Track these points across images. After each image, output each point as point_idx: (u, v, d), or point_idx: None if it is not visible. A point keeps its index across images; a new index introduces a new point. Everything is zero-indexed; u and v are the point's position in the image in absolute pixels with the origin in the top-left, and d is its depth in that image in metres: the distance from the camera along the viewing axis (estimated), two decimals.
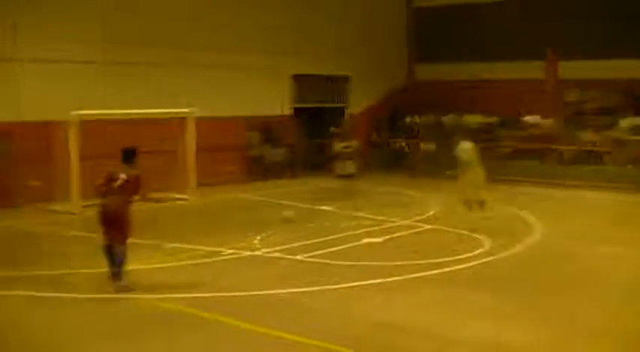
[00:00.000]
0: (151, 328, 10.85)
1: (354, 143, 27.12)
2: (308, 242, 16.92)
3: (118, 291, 12.75)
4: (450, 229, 18.46)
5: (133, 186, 13.37)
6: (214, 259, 15.44)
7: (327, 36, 32.15)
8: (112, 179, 13.35)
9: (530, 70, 33.42)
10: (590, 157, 30.59)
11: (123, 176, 13.27)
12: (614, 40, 32.10)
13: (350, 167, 26.68)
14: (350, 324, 10.88)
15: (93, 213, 13.77)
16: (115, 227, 13.19)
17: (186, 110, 24.26)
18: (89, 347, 10.09)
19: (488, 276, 13.98)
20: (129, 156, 13.63)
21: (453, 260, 14.94)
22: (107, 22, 24.87)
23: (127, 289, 12.82)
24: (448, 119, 34.88)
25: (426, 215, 21.05)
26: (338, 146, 26.58)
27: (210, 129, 25.45)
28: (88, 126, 21.66)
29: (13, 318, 11.49)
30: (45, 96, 22.98)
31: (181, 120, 24.42)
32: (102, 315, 11.60)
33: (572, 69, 32.71)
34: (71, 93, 23.09)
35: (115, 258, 13.07)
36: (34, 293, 12.52)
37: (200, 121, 24.57)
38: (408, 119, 35.52)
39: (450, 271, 14.25)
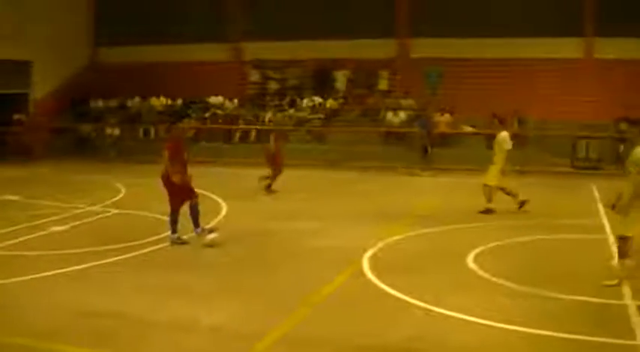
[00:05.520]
0: None
1: None
2: None
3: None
4: (139, 212, 18.53)
5: None
6: None
7: (4, 19, 30.96)
8: None
9: (215, 52, 34.07)
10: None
11: None
12: (293, 20, 33.32)
13: None
14: (46, 316, 10.54)
15: None
16: None
17: None
18: None
19: (180, 257, 14.17)
20: None
21: (144, 242, 14.95)
22: None
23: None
24: (133, 102, 34.81)
25: (115, 199, 20.97)
26: None
27: None
28: None
29: None
30: None
31: None
32: None
33: (257, 50, 33.69)
34: None
35: None
36: None
37: None
38: (92, 103, 35.04)
39: (143, 253, 14.26)
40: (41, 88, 33.91)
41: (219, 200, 20.40)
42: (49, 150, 31.80)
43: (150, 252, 14.44)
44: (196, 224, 15.18)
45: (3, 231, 16.50)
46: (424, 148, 27.73)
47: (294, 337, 9.69)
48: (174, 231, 14.96)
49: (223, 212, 18.81)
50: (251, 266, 13.56)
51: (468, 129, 30.07)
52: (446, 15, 32.02)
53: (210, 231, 15.13)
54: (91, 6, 37.79)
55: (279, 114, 32.61)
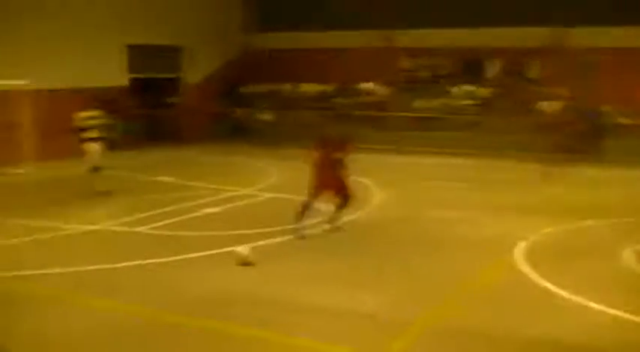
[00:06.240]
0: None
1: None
2: (149, 214, 16.71)
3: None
4: (290, 197, 18.61)
5: None
6: (53, 234, 14.98)
7: (161, 5, 31.70)
8: None
9: (367, 39, 33.97)
10: (424, 124, 31.47)
11: None
12: (444, 8, 32.99)
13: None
14: (199, 294, 10.88)
15: None
16: None
17: (20, 82, 23.57)
18: None
19: (331, 242, 14.24)
20: None
21: (295, 227, 15.07)
22: None
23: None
24: (285, 88, 35.12)
25: (267, 183, 21.23)
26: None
27: (45, 101, 24.83)
28: None
29: None
30: None
31: (16, 92, 23.78)
32: None
33: (406, 37, 33.49)
34: None
35: None
36: None
37: (35, 93, 24.06)
38: (245, 88, 35.54)
39: (291, 239, 14.40)
40: (195, 72, 34.51)
41: (371, 186, 20.38)
42: (202, 133, 32.43)
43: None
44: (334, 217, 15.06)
45: (157, 211, 17.01)
46: (586, 139, 26.94)
47: (445, 327, 9.59)
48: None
49: (374, 199, 18.74)
50: (400, 254, 13.45)
51: (624, 120, 29.12)
52: (602, 2, 31.06)
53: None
54: None
55: (432, 102, 32.39)
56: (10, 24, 25.52)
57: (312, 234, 14.73)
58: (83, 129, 19.27)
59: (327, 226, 15.02)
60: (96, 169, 19.35)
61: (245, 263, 12.41)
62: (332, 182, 14.70)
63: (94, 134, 19.27)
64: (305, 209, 14.81)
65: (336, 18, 34.72)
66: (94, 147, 19.31)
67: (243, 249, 12.63)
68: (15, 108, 23.86)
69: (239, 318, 9.83)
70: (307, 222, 14.87)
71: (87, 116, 19.25)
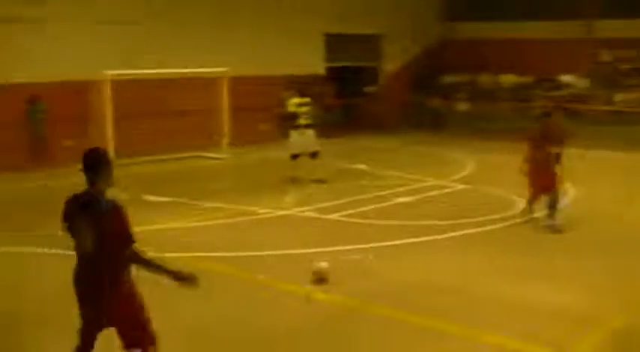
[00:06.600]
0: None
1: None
2: (341, 201, 16.98)
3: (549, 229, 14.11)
4: (485, 190, 18.44)
5: None
6: (248, 218, 15.48)
7: None
8: None
9: (566, 29, 33.17)
10: (624, 117, 30.44)
11: None
12: None
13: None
14: (381, 283, 10.98)
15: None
16: None
17: (220, 69, 24.29)
18: None
19: (521, 237, 14.00)
20: None
21: (486, 220, 14.94)
22: None
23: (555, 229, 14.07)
24: (483, 78, 34.74)
25: (461, 175, 21.07)
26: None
27: (245, 88, 25.54)
28: (127, 86, 22.04)
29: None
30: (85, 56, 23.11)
31: (215, 79, 24.56)
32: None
33: (608, 28, 32.47)
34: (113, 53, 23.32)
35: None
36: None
37: (234, 80, 24.83)
38: (442, 78, 35.37)
39: (483, 231, 14.29)
40: (392, 61, 34.62)
41: (568, 183, 19.83)
42: (398, 122, 32.54)
43: (490, 230, 14.43)
44: (549, 215, 14.57)
45: (350, 198, 17.29)
46: None
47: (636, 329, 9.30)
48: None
49: (569, 194, 18.20)
50: (594, 251, 12.96)
51: None
52: None
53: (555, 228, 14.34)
54: None
55: (632, 95, 31.30)
56: (215, 14, 26.45)
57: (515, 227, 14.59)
58: (294, 116, 19.66)
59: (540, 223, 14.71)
60: (313, 155, 19.77)
61: (321, 279, 11.08)
62: (549, 178, 14.43)
63: (305, 120, 19.64)
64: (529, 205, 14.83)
65: (534, 8, 34.06)
66: (307, 133, 19.68)
67: (323, 265, 11.35)
68: (214, 95, 24.60)
69: (424, 309, 9.85)
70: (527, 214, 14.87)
71: (299, 102, 19.67)
